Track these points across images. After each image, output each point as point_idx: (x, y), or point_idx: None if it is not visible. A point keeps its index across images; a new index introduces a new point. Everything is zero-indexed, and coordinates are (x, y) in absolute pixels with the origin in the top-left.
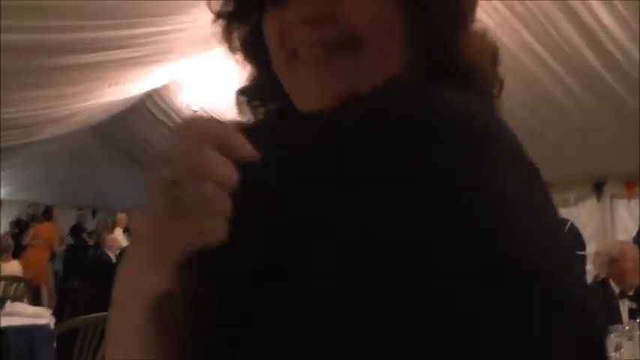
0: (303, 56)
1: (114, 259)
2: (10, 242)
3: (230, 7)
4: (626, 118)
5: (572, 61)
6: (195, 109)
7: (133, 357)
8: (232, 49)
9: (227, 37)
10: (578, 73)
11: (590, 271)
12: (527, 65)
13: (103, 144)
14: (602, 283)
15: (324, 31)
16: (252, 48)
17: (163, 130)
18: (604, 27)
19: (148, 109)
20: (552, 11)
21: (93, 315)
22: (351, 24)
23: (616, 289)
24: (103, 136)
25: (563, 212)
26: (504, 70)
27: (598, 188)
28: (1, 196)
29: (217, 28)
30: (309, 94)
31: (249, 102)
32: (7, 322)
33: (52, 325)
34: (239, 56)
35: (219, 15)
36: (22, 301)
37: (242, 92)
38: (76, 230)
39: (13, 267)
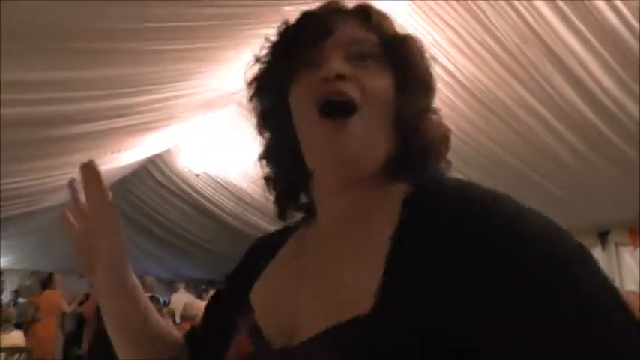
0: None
1: None
2: (13, 313)
3: (261, 77)
4: (625, 168)
5: (568, 114)
6: (197, 173)
7: None
8: (257, 114)
9: (254, 102)
10: (574, 127)
11: None
12: (524, 120)
13: None
14: None
15: (351, 88)
16: (275, 115)
17: (166, 195)
18: (597, 80)
19: (150, 174)
20: (545, 67)
21: None
22: (369, 88)
23: None
24: None
25: None
26: (502, 124)
27: (602, 237)
28: (2, 266)
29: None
30: (325, 150)
31: (268, 165)
32: None
33: None
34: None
35: (251, 81)
36: None
37: (261, 157)
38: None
39: (14, 338)
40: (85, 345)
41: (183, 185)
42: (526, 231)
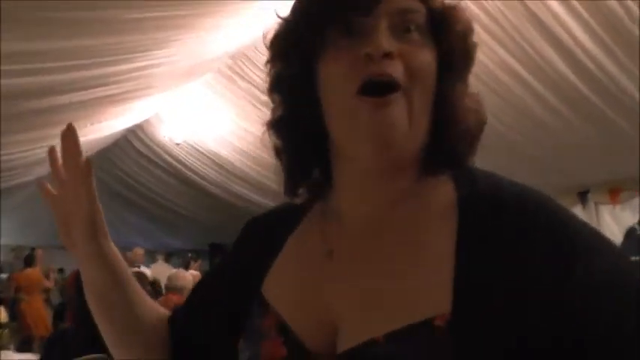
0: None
1: None
2: None
3: (286, 38)
4: (605, 128)
5: (549, 76)
6: (177, 142)
7: None
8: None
9: (273, 64)
10: (554, 87)
11: None
12: (505, 82)
13: None
14: None
15: (396, 67)
16: (296, 82)
17: (147, 165)
18: (579, 42)
19: (130, 144)
20: (527, 30)
21: (84, 357)
22: (415, 66)
23: None
24: None
25: None
26: (483, 87)
27: (582, 196)
28: None
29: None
30: (364, 129)
31: (275, 132)
32: None
33: None
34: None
35: (273, 41)
36: (9, 349)
37: (271, 125)
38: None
39: None
40: (68, 318)
41: (164, 154)
42: (579, 238)
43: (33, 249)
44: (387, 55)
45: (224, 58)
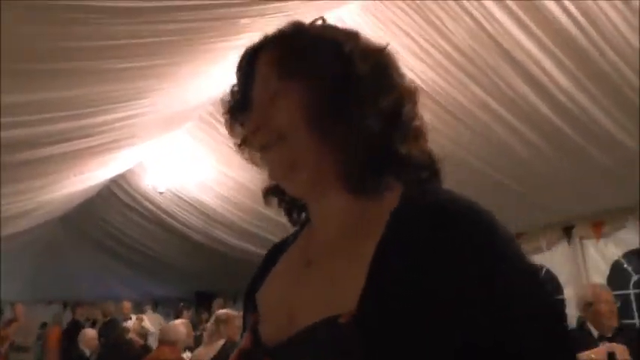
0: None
1: (88, 354)
2: None
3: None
4: (580, 160)
5: (524, 111)
6: (161, 190)
7: None
8: (234, 135)
9: (230, 128)
10: (531, 123)
11: (571, 316)
12: (482, 119)
13: (71, 234)
14: (580, 327)
15: (262, 137)
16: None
17: (130, 215)
18: (551, 78)
19: (114, 194)
20: (500, 67)
21: None
22: (276, 128)
23: (595, 332)
24: (70, 226)
25: (538, 259)
26: (459, 125)
27: (567, 231)
28: None
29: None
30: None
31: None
32: None
33: None
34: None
35: (226, 112)
36: None
37: (266, 191)
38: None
39: None
40: None
41: (146, 203)
42: (495, 249)
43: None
44: (257, 130)
45: (205, 105)
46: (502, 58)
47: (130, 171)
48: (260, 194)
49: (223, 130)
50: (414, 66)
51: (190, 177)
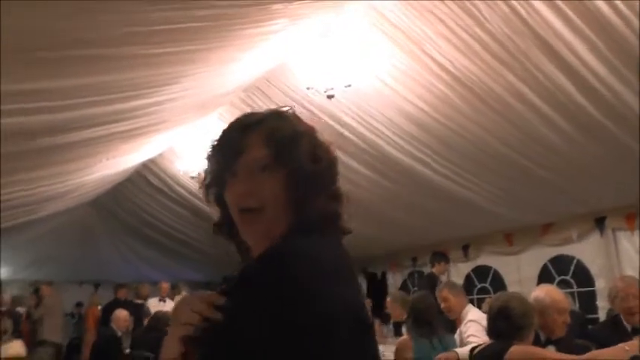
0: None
1: (119, 334)
2: (9, 324)
3: (208, 179)
4: (618, 153)
5: (559, 100)
6: (192, 175)
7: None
8: (209, 202)
9: (205, 195)
10: (566, 113)
11: (602, 307)
12: (516, 108)
13: (102, 217)
14: (613, 320)
15: (249, 201)
16: (221, 202)
17: (161, 199)
18: (588, 66)
19: (145, 178)
20: (536, 55)
21: None
22: (261, 197)
23: (628, 326)
24: (102, 209)
25: (568, 250)
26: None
27: (599, 223)
28: (2, 276)
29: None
30: (242, 234)
31: (223, 233)
32: None
33: None
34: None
35: (203, 182)
36: None
37: (216, 226)
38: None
39: (15, 347)
40: (85, 352)
41: (177, 188)
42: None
43: (37, 289)
44: (248, 194)
45: (237, 90)
46: (537, 45)
47: (161, 155)
48: None
49: None
50: (448, 53)
51: None
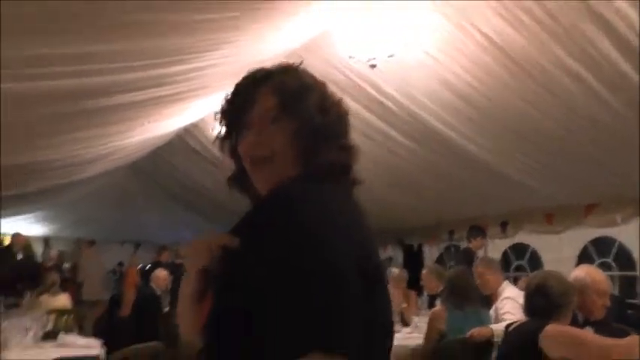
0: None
1: (159, 293)
2: (56, 277)
3: (223, 133)
4: None
5: (609, 76)
6: None
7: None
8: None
9: (221, 148)
10: (617, 89)
11: None
12: (563, 83)
13: (142, 180)
14: None
15: (259, 150)
16: (235, 155)
17: (201, 163)
18: None
19: (185, 143)
20: (587, 27)
21: (142, 345)
22: (271, 146)
23: None
24: (141, 173)
25: (610, 232)
26: (539, 87)
27: None
28: (49, 233)
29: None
30: (255, 183)
31: (237, 186)
32: (59, 353)
33: (102, 356)
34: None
35: (217, 136)
36: (73, 333)
37: (230, 179)
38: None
39: (62, 300)
40: (125, 309)
41: (217, 152)
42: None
43: (90, 242)
44: (258, 143)
45: (278, 57)
46: (587, 16)
47: (201, 120)
48: None
49: None
50: (493, 22)
51: None
